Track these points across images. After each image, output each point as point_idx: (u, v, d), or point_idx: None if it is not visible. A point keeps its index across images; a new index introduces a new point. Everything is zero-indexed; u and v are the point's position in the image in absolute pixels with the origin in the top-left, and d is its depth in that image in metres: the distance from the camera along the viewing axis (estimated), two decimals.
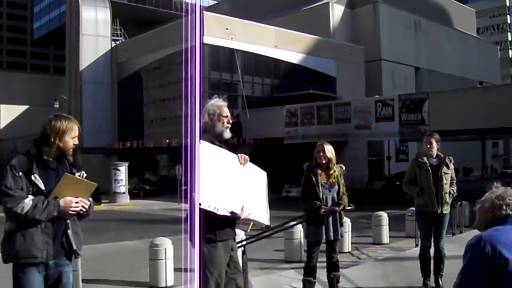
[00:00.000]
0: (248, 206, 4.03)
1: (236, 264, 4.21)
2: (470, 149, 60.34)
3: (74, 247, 3.63)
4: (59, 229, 3.57)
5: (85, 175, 3.76)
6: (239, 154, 4.19)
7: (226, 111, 4.24)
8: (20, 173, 3.44)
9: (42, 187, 3.49)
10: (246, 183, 4.15)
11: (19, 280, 3.47)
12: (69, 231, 3.61)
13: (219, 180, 3.86)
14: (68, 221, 3.59)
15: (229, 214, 3.87)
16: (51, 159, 3.63)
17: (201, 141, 3.76)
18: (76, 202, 3.52)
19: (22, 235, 3.41)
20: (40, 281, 3.51)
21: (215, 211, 3.74)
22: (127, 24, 58.86)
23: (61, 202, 3.46)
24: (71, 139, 3.65)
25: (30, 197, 3.39)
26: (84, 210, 3.59)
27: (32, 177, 3.47)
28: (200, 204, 3.62)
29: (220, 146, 4.11)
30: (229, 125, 4.22)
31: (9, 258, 3.47)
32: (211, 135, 4.11)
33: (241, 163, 4.15)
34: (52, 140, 3.57)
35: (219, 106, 4.23)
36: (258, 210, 4.24)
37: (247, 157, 4.24)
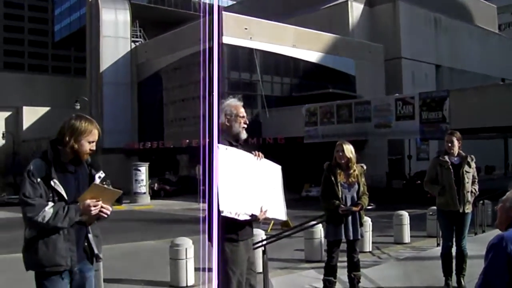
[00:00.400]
0: (266, 205, 4.06)
1: (252, 265, 4.23)
2: (492, 147, 59.53)
3: (96, 251, 3.56)
4: (81, 234, 3.48)
5: (103, 175, 3.63)
6: (253, 151, 4.19)
7: (242, 111, 4.21)
8: (39, 179, 3.26)
9: (63, 192, 3.33)
10: (263, 181, 4.18)
11: None
12: (90, 235, 3.53)
13: (239, 186, 3.89)
14: (90, 225, 3.51)
15: (249, 218, 3.89)
16: (68, 162, 3.42)
17: (218, 145, 3.79)
18: (95, 206, 3.35)
19: (44, 243, 3.29)
20: (68, 286, 3.43)
21: (236, 217, 3.77)
22: (146, 25, 59.29)
23: (80, 205, 3.33)
24: (88, 143, 3.43)
25: (50, 204, 3.25)
26: (105, 215, 3.45)
27: (52, 183, 3.30)
28: (222, 212, 3.67)
29: (237, 147, 4.12)
30: (246, 126, 4.21)
31: (33, 267, 3.36)
32: (228, 136, 4.12)
33: (256, 159, 4.17)
34: (67, 139, 3.37)
35: (235, 106, 4.22)
36: (276, 206, 4.26)
37: (261, 153, 4.24)
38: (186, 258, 8.55)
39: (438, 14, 61.50)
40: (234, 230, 3.98)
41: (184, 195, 38.84)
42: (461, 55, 62.52)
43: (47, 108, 69.92)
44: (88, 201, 3.33)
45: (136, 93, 55.58)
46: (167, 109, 51.81)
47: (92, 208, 3.34)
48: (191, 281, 8.60)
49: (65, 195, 3.33)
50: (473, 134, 37.39)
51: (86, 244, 3.50)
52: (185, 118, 48.67)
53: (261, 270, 7.39)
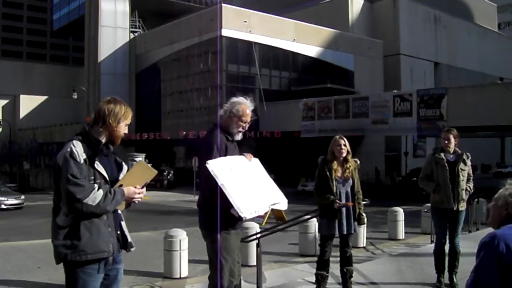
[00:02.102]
0: (271, 199, 4.15)
1: (237, 256, 4.29)
2: (489, 146, 59.68)
3: (129, 239, 3.44)
4: (117, 220, 3.35)
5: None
6: (244, 154, 4.22)
7: (248, 117, 4.22)
8: (82, 161, 3.10)
9: (106, 175, 3.22)
10: (260, 179, 4.23)
11: (82, 282, 3.14)
12: (123, 222, 3.42)
13: (243, 187, 3.97)
14: (120, 211, 3.37)
15: (268, 209, 3.98)
16: (103, 145, 3.33)
17: (208, 162, 3.85)
18: (139, 193, 3.28)
19: (87, 229, 3.09)
20: (101, 280, 3.25)
21: (256, 215, 3.91)
22: (145, 16, 59.09)
23: (125, 190, 3.21)
24: (125, 127, 3.39)
25: (96, 185, 3.10)
26: (139, 201, 3.36)
27: (95, 165, 3.16)
28: (245, 218, 3.76)
29: (232, 142, 4.15)
30: (243, 130, 4.23)
31: (72, 256, 3.08)
32: (223, 130, 4.14)
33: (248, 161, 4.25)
34: (109, 123, 3.27)
35: (244, 109, 4.21)
36: (278, 196, 4.32)
37: (251, 155, 4.29)
38: (180, 249, 8.56)
39: (438, 12, 61.48)
40: (226, 219, 4.04)
41: (179, 187, 38.85)
42: (460, 53, 62.54)
43: (44, 97, 69.75)
44: (133, 188, 3.25)
45: (134, 83, 55.47)
46: (165, 101, 51.74)
47: (136, 196, 3.28)
48: (184, 273, 8.61)
49: (107, 177, 3.23)
50: (470, 132, 37.45)
51: (119, 231, 3.37)
52: (182, 110, 48.62)
53: (254, 263, 7.41)
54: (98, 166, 3.18)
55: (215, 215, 3.98)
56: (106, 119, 3.27)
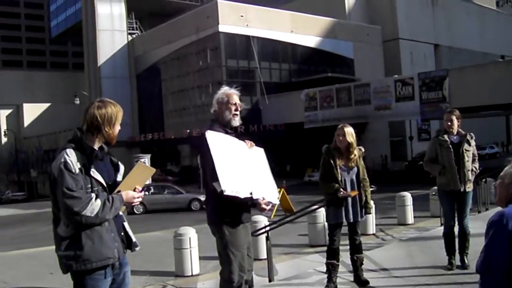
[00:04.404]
0: (262, 189, 4.12)
1: (248, 250, 4.27)
2: (494, 125, 59.48)
3: (134, 239, 3.39)
4: (119, 222, 3.30)
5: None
6: (245, 140, 4.23)
7: (234, 99, 4.19)
8: (77, 170, 3.02)
9: (103, 181, 3.15)
10: (256, 167, 4.26)
11: None
12: (126, 224, 3.37)
13: (235, 167, 3.94)
14: (121, 213, 3.30)
15: (250, 196, 3.92)
16: (97, 149, 3.25)
17: (208, 130, 3.90)
18: (138, 197, 3.23)
19: (88, 237, 3.05)
20: (109, 285, 3.22)
21: (237, 195, 3.80)
22: (142, 17, 59.10)
23: (124, 196, 3.16)
24: (118, 126, 3.31)
25: (93, 195, 3.03)
26: (139, 201, 3.32)
27: (91, 173, 3.10)
28: (224, 191, 3.71)
29: (231, 135, 4.14)
30: (237, 113, 4.20)
31: (77, 265, 3.05)
32: (220, 124, 4.14)
33: (248, 147, 4.25)
34: (106, 129, 3.19)
35: (228, 94, 4.21)
36: (270, 191, 4.29)
37: (252, 142, 4.30)
38: (190, 247, 8.57)
39: None
40: (233, 213, 4.04)
41: (186, 185, 38.89)
42: (459, 34, 62.23)
43: (47, 104, 69.90)
44: (132, 192, 3.20)
45: (135, 85, 55.56)
46: (167, 100, 51.80)
47: (135, 200, 3.23)
48: (196, 270, 8.63)
49: (105, 184, 3.16)
50: (474, 112, 37.34)
51: (123, 233, 3.33)
52: (184, 108, 48.66)
53: (265, 256, 7.42)
54: (94, 173, 3.12)
55: (221, 208, 3.99)
56: (101, 127, 3.20)
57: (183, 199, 25.27)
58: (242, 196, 3.87)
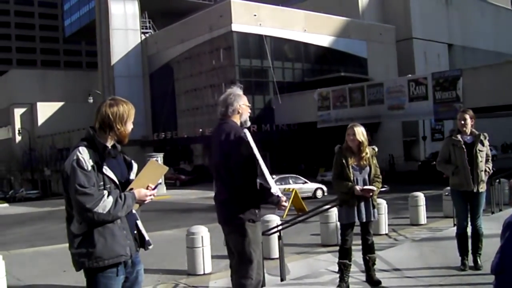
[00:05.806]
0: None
1: None
2: (508, 125, 58.89)
3: (147, 237, 3.38)
4: (132, 220, 3.28)
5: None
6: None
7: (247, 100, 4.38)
8: (90, 168, 3.05)
9: (115, 179, 3.17)
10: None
11: (104, 286, 3.14)
12: (139, 222, 3.36)
13: (264, 166, 4.01)
14: (134, 211, 3.31)
15: (277, 194, 4.00)
16: (110, 147, 3.27)
17: (245, 130, 4.04)
18: (150, 195, 3.26)
19: (101, 235, 3.07)
20: (121, 283, 3.23)
21: (279, 193, 3.97)
22: (155, 16, 59.28)
23: (136, 194, 3.18)
24: (131, 124, 3.33)
25: (105, 192, 3.06)
26: (152, 200, 3.34)
27: (104, 170, 3.12)
28: (276, 193, 3.91)
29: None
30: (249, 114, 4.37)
31: (90, 263, 3.08)
32: (238, 123, 4.21)
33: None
34: (117, 127, 3.21)
35: (242, 96, 4.32)
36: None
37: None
38: (203, 246, 8.61)
39: None
40: (253, 211, 4.12)
41: (199, 183, 39.01)
42: (473, 33, 61.73)
43: (61, 103, 70.37)
44: (144, 190, 3.22)
45: (148, 84, 55.77)
46: (180, 99, 51.93)
47: (147, 198, 3.25)
48: (208, 269, 8.66)
49: (117, 181, 3.18)
50: (488, 112, 37.00)
51: (136, 231, 3.32)
52: (197, 108, 48.75)
53: (277, 256, 7.43)
54: (107, 170, 3.14)
55: (248, 206, 4.05)
56: (113, 125, 3.21)
57: (309, 188, 26.27)
58: (280, 195, 3.99)
